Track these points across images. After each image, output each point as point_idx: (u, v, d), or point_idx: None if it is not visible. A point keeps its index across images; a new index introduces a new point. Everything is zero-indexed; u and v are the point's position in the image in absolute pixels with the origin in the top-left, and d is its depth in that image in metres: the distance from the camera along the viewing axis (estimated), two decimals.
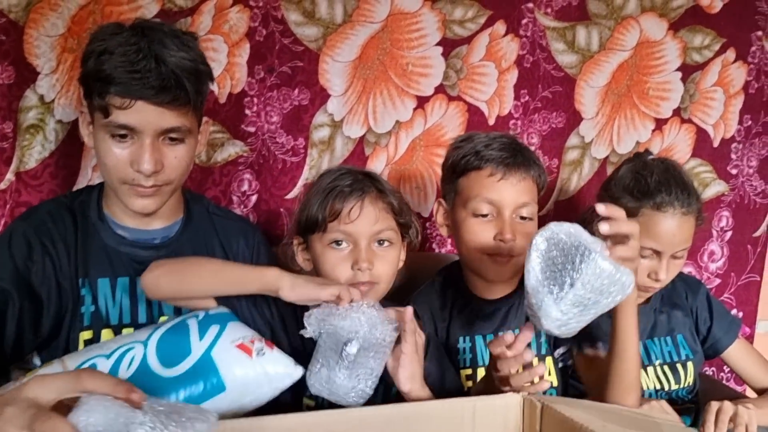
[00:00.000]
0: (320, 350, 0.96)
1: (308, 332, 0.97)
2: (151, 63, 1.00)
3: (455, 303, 1.34)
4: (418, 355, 1.02)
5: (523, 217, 1.25)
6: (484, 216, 1.25)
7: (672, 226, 1.32)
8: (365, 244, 1.10)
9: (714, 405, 1.06)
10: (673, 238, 1.32)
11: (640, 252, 1.30)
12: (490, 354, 1.02)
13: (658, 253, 1.34)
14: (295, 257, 1.21)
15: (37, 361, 1.13)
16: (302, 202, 1.18)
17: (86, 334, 1.12)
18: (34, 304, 1.09)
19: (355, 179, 1.13)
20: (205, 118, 1.19)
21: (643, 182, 1.34)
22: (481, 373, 1.29)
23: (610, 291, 0.84)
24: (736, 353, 1.53)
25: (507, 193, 1.24)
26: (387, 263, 1.12)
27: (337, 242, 1.11)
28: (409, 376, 1.00)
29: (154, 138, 1.05)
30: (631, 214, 1.32)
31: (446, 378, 1.19)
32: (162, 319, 1.16)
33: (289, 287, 1.00)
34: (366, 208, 1.10)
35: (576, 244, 0.84)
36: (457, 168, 1.29)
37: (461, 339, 1.31)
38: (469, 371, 1.30)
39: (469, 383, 1.29)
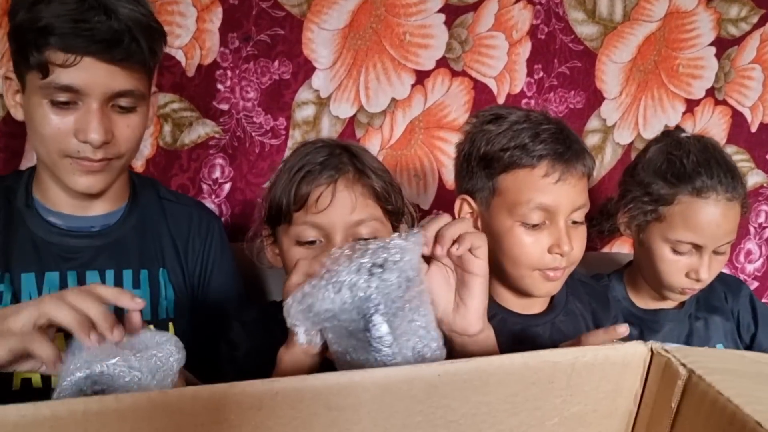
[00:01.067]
0: (339, 351, 0.70)
1: (302, 337, 0.70)
2: (100, 13, 0.90)
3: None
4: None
5: (575, 222, 1.07)
6: (536, 226, 1.04)
7: (715, 214, 1.18)
8: (341, 239, 0.90)
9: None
10: (717, 230, 1.19)
11: (677, 249, 1.20)
12: None
13: (698, 248, 1.20)
14: (265, 253, 1.04)
15: None
16: (270, 184, 1.00)
17: None
18: None
19: (330, 154, 0.94)
20: (154, 89, 1.06)
21: (679, 164, 1.20)
22: None
23: None
24: None
25: (565, 197, 1.03)
26: None
27: (309, 242, 0.91)
28: (482, 308, 0.79)
29: (103, 103, 0.94)
30: (665, 201, 1.20)
31: None
32: None
33: None
34: (339, 193, 0.91)
35: None
36: (495, 162, 1.06)
37: None
38: None
39: None
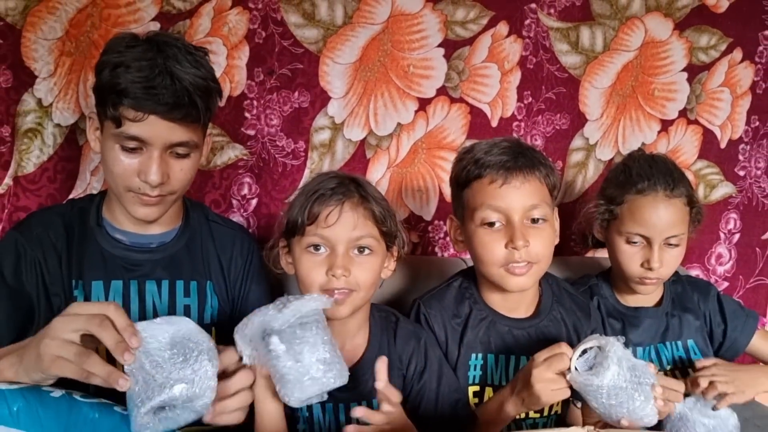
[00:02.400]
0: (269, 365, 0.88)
1: (246, 359, 0.89)
2: (166, 79, 1.01)
3: (471, 316, 1.25)
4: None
5: (534, 220, 1.17)
6: (492, 225, 1.17)
7: (657, 209, 1.31)
8: (342, 250, 1.05)
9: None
10: (659, 222, 1.31)
11: (630, 239, 1.34)
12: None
13: (648, 241, 1.33)
14: (279, 261, 1.17)
15: None
16: (288, 204, 1.14)
17: None
18: (23, 310, 1.08)
19: (339, 183, 1.09)
20: (209, 131, 1.18)
21: (627, 172, 1.36)
22: (489, 392, 1.23)
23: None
24: (759, 345, 1.49)
25: (512, 198, 1.16)
26: (366, 271, 1.07)
27: (315, 246, 1.07)
28: None
29: (163, 151, 1.06)
30: (617, 203, 1.34)
31: (442, 389, 1.16)
32: None
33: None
34: (345, 213, 1.06)
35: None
36: (460, 180, 1.22)
37: (474, 356, 1.23)
38: (477, 388, 1.23)
39: (476, 400, 1.23)
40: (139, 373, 0.80)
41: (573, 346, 1.24)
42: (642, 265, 1.34)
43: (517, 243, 1.14)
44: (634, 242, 1.34)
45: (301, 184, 1.64)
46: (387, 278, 1.18)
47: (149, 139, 1.04)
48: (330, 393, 0.89)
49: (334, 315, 1.05)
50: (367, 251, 1.08)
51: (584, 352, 1.03)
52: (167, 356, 0.81)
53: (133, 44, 1.04)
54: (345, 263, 1.04)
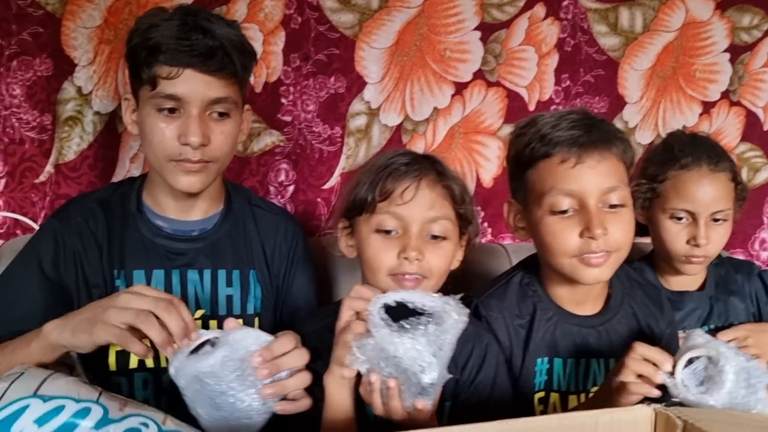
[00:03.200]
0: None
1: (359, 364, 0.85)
2: (198, 33, 0.99)
3: (535, 316, 1.10)
4: None
5: (613, 205, 1.01)
6: (564, 212, 1.00)
7: (701, 183, 1.27)
8: (416, 231, 0.95)
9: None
10: (705, 196, 1.27)
11: (675, 215, 1.29)
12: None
13: (693, 217, 1.29)
14: (338, 243, 1.07)
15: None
16: (352, 182, 1.04)
17: None
18: (63, 301, 1.05)
19: (413, 159, 1.00)
20: (246, 106, 1.14)
21: (669, 149, 1.33)
22: (554, 398, 1.10)
23: None
24: None
25: (587, 180, 0.99)
26: (439, 257, 0.97)
27: (386, 229, 0.97)
28: None
29: (202, 110, 1.02)
30: (659, 180, 1.31)
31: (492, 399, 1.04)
32: (198, 313, 1.11)
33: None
34: (422, 190, 0.96)
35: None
36: (522, 159, 1.05)
37: (539, 360, 1.09)
38: (542, 394, 1.09)
39: (541, 407, 1.10)
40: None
41: (648, 342, 1.11)
42: (688, 242, 1.29)
43: (594, 232, 0.97)
44: (680, 218, 1.30)
45: (339, 170, 1.64)
46: (453, 269, 1.05)
47: (186, 95, 1.00)
48: None
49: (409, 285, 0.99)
50: (441, 237, 0.97)
51: (690, 361, 0.92)
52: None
53: (163, 13, 1.03)
54: (419, 245, 0.95)
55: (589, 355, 1.11)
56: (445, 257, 0.99)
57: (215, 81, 1.01)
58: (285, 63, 1.55)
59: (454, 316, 0.84)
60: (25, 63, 1.37)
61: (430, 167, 0.99)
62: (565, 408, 1.10)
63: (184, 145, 1.02)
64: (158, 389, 1.08)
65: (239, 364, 0.81)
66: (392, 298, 0.87)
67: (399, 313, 0.86)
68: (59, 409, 0.75)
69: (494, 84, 1.73)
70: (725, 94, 1.94)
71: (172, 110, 1.02)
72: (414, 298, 0.87)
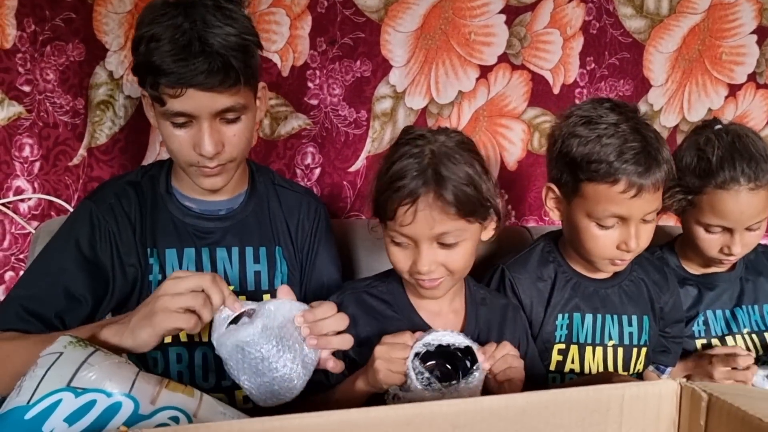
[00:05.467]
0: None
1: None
2: (197, 47, 0.94)
3: (557, 278, 1.21)
4: None
5: (646, 221, 1.10)
6: (609, 227, 1.10)
7: (739, 203, 1.20)
8: (425, 246, 0.96)
9: None
10: (741, 216, 1.21)
11: (709, 230, 1.26)
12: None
13: (729, 230, 1.24)
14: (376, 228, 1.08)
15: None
16: (377, 170, 1.02)
17: None
18: (101, 280, 1.07)
19: (419, 169, 0.94)
20: (261, 84, 1.12)
21: (705, 160, 1.22)
22: (573, 350, 1.19)
23: None
24: None
25: (637, 208, 1.06)
26: (456, 259, 0.98)
27: (398, 242, 0.99)
28: None
29: (211, 120, 1.01)
30: (695, 192, 1.24)
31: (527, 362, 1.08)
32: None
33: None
34: (420, 212, 0.93)
35: None
36: (582, 169, 1.08)
37: (560, 316, 1.19)
38: (562, 346, 1.19)
39: (560, 357, 1.19)
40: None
41: (654, 305, 1.23)
42: (721, 250, 1.26)
43: (630, 246, 1.09)
44: (714, 232, 1.26)
45: (365, 153, 1.63)
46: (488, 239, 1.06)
47: (194, 111, 0.99)
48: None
49: (430, 296, 1.03)
50: (454, 241, 0.97)
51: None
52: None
53: (162, 11, 0.97)
54: (430, 258, 0.96)
55: (604, 311, 1.21)
56: (463, 256, 0.99)
57: (219, 94, 0.99)
58: (311, 47, 1.53)
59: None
60: (58, 48, 1.36)
61: (431, 180, 0.94)
62: (582, 359, 1.20)
63: (200, 155, 1.03)
64: (191, 363, 1.09)
65: (278, 331, 0.84)
66: (426, 342, 0.91)
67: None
68: (90, 405, 0.74)
69: (519, 67, 1.69)
70: (752, 77, 1.89)
71: (183, 122, 1.01)
72: (446, 339, 0.92)
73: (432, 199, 0.93)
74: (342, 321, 0.89)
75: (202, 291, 0.85)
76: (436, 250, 0.97)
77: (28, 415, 0.71)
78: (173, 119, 1.00)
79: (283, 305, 0.87)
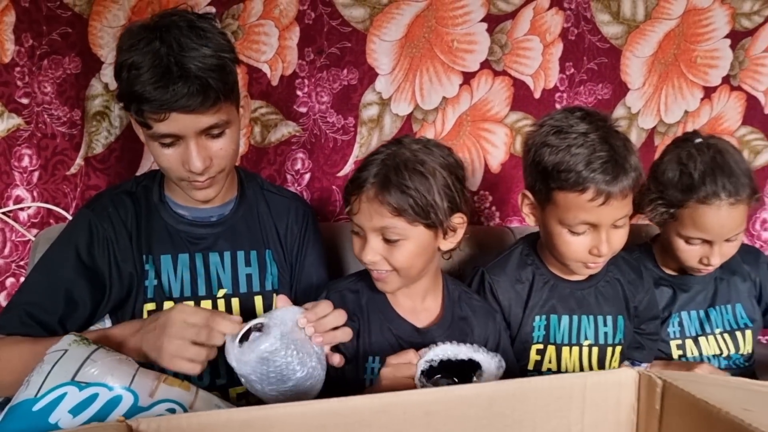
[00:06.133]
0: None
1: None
2: (176, 72, 0.97)
3: (534, 281, 1.24)
4: None
5: (617, 226, 1.13)
6: (580, 233, 1.13)
7: (720, 217, 1.23)
8: (371, 237, 1.03)
9: None
10: (722, 229, 1.24)
11: (689, 242, 1.28)
12: None
13: (709, 242, 1.27)
14: None
15: (108, 323, 1.15)
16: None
17: (150, 306, 1.13)
18: (99, 285, 1.11)
19: (376, 171, 1.02)
20: (243, 93, 1.15)
21: (687, 175, 1.25)
22: (551, 350, 1.23)
23: None
24: None
25: (606, 215, 1.09)
26: (399, 256, 1.02)
27: (354, 230, 1.07)
28: None
29: (197, 138, 1.04)
30: (677, 205, 1.26)
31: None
32: (220, 292, 1.16)
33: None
34: (363, 204, 1.02)
35: None
36: (552, 178, 1.10)
37: (537, 317, 1.22)
38: (540, 346, 1.22)
39: (538, 357, 1.23)
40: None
41: (628, 304, 1.26)
42: (701, 261, 1.30)
43: (601, 251, 1.12)
44: (694, 244, 1.29)
45: (353, 158, 1.67)
46: (449, 249, 1.11)
47: (179, 132, 1.02)
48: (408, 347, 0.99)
49: (382, 289, 1.09)
50: (395, 238, 1.02)
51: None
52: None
53: (139, 37, 0.99)
54: (373, 249, 1.02)
55: (580, 312, 1.24)
56: (403, 253, 1.03)
57: (201, 115, 1.01)
58: (300, 57, 1.57)
59: (493, 369, 0.96)
60: (55, 62, 1.41)
61: (377, 181, 1.01)
62: (559, 358, 1.23)
63: (189, 171, 1.06)
64: None
65: (291, 335, 0.88)
66: (429, 358, 0.96)
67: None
68: (93, 398, 0.78)
69: (500, 73, 1.73)
70: (726, 79, 1.93)
71: (170, 143, 1.04)
72: (448, 354, 0.96)
73: (372, 194, 1.01)
74: (341, 316, 0.94)
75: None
76: (381, 243, 1.03)
77: (36, 407, 0.75)
78: (160, 140, 1.03)
79: (288, 311, 0.91)
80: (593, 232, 1.12)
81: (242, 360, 0.86)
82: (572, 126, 1.10)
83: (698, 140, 1.30)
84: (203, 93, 0.98)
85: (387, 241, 1.02)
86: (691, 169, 1.24)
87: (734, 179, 1.21)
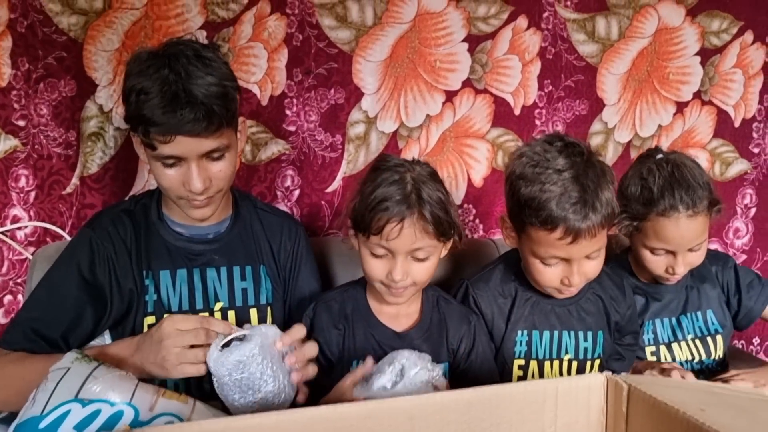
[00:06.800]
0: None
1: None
2: (183, 98, 1.02)
3: (517, 296, 1.27)
4: None
5: (590, 258, 1.15)
6: (552, 265, 1.16)
7: (680, 228, 1.27)
8: (401, 259, 1.07)
9: None
10: (682, 240, 1.29)
11: (654, 252, 1.32)
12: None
13: (672, 252, 1.32)
14: (349, 239, 1.18)
15: (108, 338, 1.18)
16: (357, 192, 1.11)
17: (150, 319, 1.16)
18: (100, 301, 1.14)
19: (402, 195, 1.05)
20: (241, 118, 1.19)
21: (648, 189, 1.30)
22: (533, 365, 1.25)
23: None
24: None
25: (577, 251, 1.11)
26: (422, 272, 1.10)
27: (377, 254, 1.09)
28: None
29: (198, 160, 1.08)
30: (640, 218, 1.31)
31: (483, 372, 1.19)
32: (217, 305, 1.19)
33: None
34: (406, 229, 1.05)
35: None
36: (525, 213, 1.12)
37: (519, 332, 1.25)
38: (522, 362, 1.25)
39: (520, 373, 1.26)
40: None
41: (609, 319, 1.29)
42: (666, 270, 1.34)
43: (573, 282, 1.15)
44: (659, 254, 1.34)
45: (341, 174, 1.70)
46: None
47: (182, 154, 1.06)
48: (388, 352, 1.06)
49: (394, 302, 1.13)
50: (426, 256, 1.09)
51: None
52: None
53: (148, 64, 1.04)
54: (404, 269, 1.07)
55: (561, 328, 1.26)
56: (428, 269, 1.11)
57: (204, 139, 1.06)
58: (288, 77, 1.62)
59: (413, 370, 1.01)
60: (50, 85, 1.44)
61: (415, 203, 1.05)
62: (541, 372, 1.25)
63: (189, 191, 1.10)
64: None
65: (269, 350, 0.93)
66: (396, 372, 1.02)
67: None
68: (96, 414, 0.82)
69: (482, 91, 1.78)
70: (697, 95, 1.98)
71: (173, 164, 1.08)
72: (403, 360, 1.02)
73: (416, 219, 1.05)
74: (314, 348, 1.03)
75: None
76: (410, 263, 1.08)
77: (42, 424, 0.78)
78: (164, 161, 1.08)
79: (270, 329, 0.97)
80: (565, 264, 1.15)
81: (220, 361, 0.91)
82: (549, 161, 1.11)
83: (659, 156, 1.35)
84: (208, 119, 1.03)
85: (415, 259, 1.08)
86: (651, 183, 1.29)
87: (691, 192, 1.26)
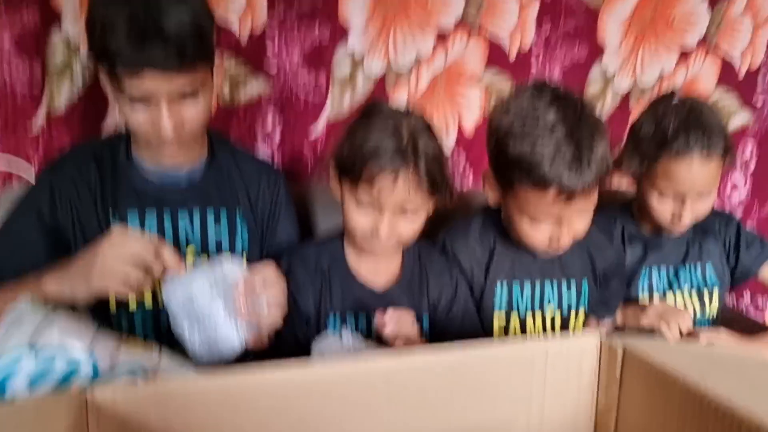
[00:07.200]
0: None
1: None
2: (152, 32, 0.94)
3: (495, 248, 1.21)
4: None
5: (580, 215, 1.10)
6: (541, 223, 1.10)
7: (692, 171, 1.23)
8: (389, 214, 1.01)
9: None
10: (693, 183, 1.25)
11: (662, 193, 1.27)
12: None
13: (681, 196, 1.27)
14: (330, 181, 1.12)
15: None
16: (346, 137, 1.05)
17: None
18: (61, 244, 1.10)
19: (397, 148, 0.99)
20: (217, 58, 1.10)
21: (662, 130, 1.25)
22: (514, 317, 1.21)
23: None
24: None
25: (569, 211, 1.06)
26: (410, 228, 1.05)
27: (364, 204, 1.03)
28: None
29: (170, 101, 1.01)
30: (652, 160, 1.26)
31: (465, 324, 1.15)
32: (189, 249, 1.15)
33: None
34: (399, 183, 0.99)
35: None
36: (515, 172, 1.05)
37: (499, 284, 1.21)
38: (503, 314, 1.21)
39: (503, 324, 1.22)
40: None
41: (595, 265, 1.26)
42: (672, 218, 1.30)
43: (562, 242, 1.10)
44: (667, 196, 1.29)
45: (324, 119, 1.62)
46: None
47: (152, 94, 0.99)
48: (367, 311, 1.04)
49: (376, 252, 1.08)
50: (413, 213, 1.04)
51: None
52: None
53: None
54: (391, 225, 1.02)
55: (543, 278, 1.23)
56: (415, 224, 1.06)
57: (177, 75, 0.98)
58: (270, 15, 1.51)
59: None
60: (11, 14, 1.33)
61: (411, 157, 0.99)
62: (523, 325, 1.22)
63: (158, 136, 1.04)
64: (157, 328, 1.12)
65: (224, 292, 0.89)
66: None
67: None
68: (50, 362, 0.76)
69: (476, 33, 1.69)
70: (702, 42, 1.90)
71: (141, 104, 1.01)
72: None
73: (411, 174, 0.99)
74: (277, 293, 0.97)
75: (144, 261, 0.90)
76: (398, 219, 1.02)
77: None
78: (132, 100, 1.00)
79: (233, 269, 0.92)
80: (554, 224, 1.09)
81: (171, 292, 0.89)
82: (538, 116, 1.03)
83: (675, 100, 1.31)
84: (179, 54, 0.96)
85: (403, 215, 1.02)
86: (666, 124, 1.25)
87: (707, 134, 1.22)
